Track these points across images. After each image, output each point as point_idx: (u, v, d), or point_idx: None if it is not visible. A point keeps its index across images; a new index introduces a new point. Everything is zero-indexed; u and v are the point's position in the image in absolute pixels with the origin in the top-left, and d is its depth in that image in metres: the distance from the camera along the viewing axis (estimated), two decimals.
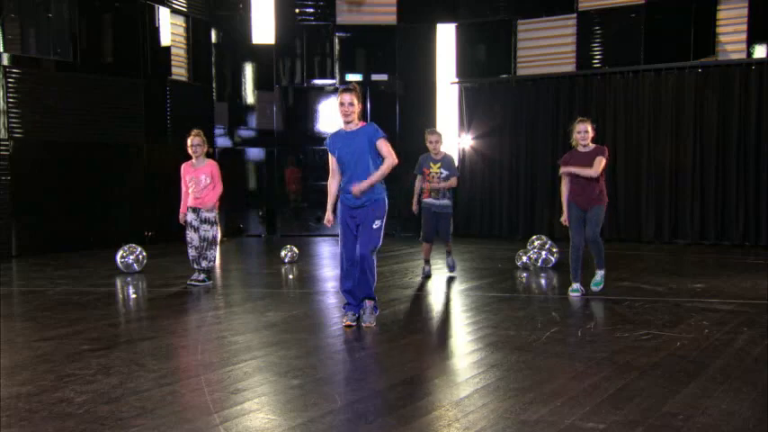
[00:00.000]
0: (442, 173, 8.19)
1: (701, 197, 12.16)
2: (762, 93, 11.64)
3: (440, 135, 8.32)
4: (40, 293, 7.61)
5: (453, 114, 14.34)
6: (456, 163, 8.38)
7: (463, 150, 14.15)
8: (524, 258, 9.20)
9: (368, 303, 5.85)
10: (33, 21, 11.27)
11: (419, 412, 3.75)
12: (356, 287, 5.81)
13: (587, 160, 6.92)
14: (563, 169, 7.05)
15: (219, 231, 7.93)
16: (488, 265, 8.80)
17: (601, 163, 6.86)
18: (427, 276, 8.55)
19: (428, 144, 8.29)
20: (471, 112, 14.10)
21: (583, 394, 3.99)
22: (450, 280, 8.37)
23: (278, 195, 14.59)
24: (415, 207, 8.51)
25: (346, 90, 5.67)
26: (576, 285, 7.14)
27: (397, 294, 7.35)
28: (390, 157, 5.69)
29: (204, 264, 7.93)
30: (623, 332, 5.52)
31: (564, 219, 7.15)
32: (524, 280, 8.43)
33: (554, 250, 9.34)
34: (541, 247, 9.36)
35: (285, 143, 14.48)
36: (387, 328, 5.79)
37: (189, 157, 8.11)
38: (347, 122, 5.72)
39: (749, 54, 11.85)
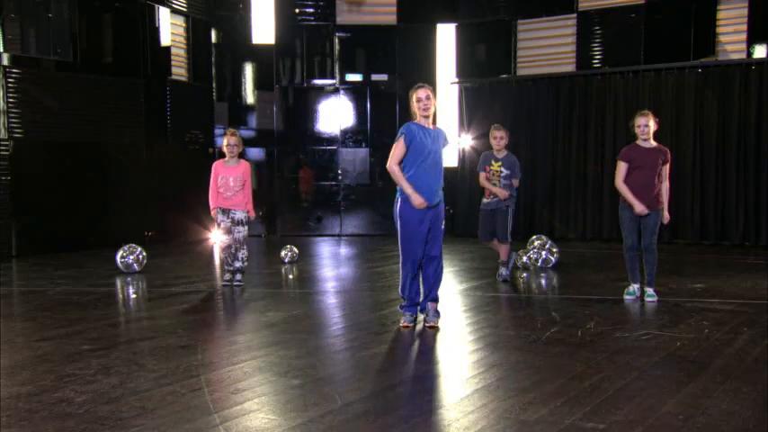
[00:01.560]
0: (502, 171, 7.94)
1: (701, 197, 12.15)
2: (762, 93, 11.64)
3: (505, 132, 7.99)
4: (40, 293, 7.61)
5: (453, 114, 14.34)
6: (519, 165, 8.03)
7: (463, 150, 14.16)
8: (524, 258, 9.20)
9: (431, 306, 5.85)
10: (33, 21, 11.27)
11: (419, 412, 3.75)
12: (425, 287, 5.84)
13: (650, 158, 6.76)
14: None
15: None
16: (488, 264, 8.79)
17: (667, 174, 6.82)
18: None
19: (492, 140, 8.00)
20: (471, 112, 14.10)
21: (583, 394, 3.99)
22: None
23: (278, 195, 14.58)
24: (500, 193, 7.95)
25: (421, 86, 5.68)
26: (634, 287, 6.88)
27: (398, 294, 7.33)
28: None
29: (237, 264, 7.94)
30: (623, 332, 5.52)
31: (641, 209, 6.70)
32: (524, 280, 8.44)
33: (554, 250, 9.34)
34: (541, 247, 9.36)
35: (285, 143, 14.48)
36: (387, 328, 5.79)
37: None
38: (426, 116, 5.67)
39: (749, 54, 11.85)
